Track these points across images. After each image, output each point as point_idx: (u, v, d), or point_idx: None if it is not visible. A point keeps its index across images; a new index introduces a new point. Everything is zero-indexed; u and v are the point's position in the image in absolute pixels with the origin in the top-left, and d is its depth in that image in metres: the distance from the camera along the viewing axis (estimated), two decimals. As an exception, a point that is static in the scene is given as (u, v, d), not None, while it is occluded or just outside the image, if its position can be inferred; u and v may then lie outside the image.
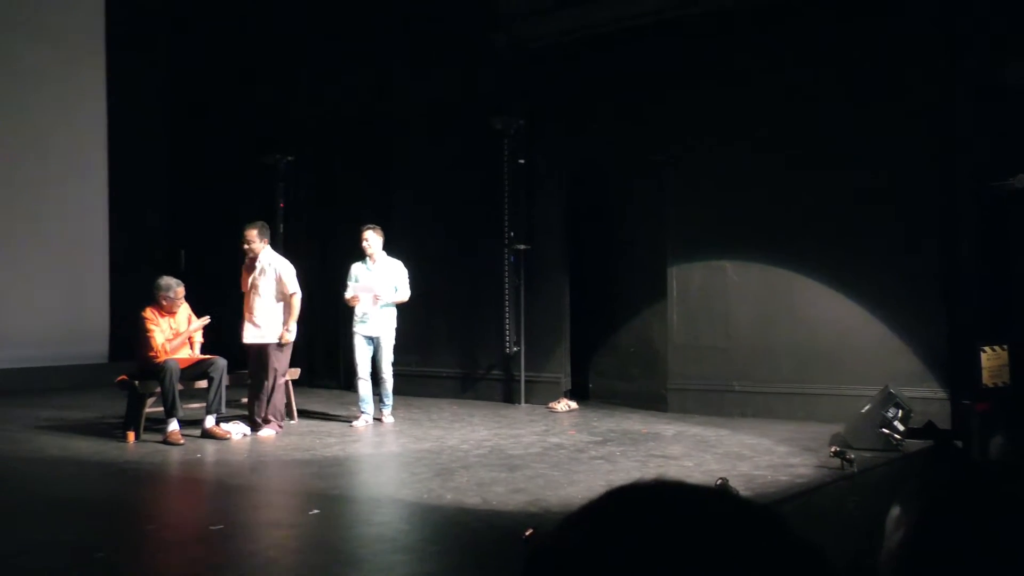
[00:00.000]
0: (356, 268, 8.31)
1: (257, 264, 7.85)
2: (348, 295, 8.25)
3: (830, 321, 8.06)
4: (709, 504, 0.67)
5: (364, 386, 8.26)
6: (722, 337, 8.64)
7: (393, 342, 8.34)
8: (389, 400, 8.44)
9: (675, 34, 8.77)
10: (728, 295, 8.64)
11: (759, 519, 0.66)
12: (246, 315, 7.86)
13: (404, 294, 8.30)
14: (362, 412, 8.27)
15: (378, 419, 8.39)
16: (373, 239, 8.23)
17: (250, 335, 7.84)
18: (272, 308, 7.83)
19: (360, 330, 8.24)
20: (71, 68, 12.07)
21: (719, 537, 0.64)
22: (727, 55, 8.63)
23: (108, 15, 12.37)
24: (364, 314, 8.21)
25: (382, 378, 8.34)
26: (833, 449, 6.14)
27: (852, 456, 5.94)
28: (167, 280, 7.79)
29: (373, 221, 8.52)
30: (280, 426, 7.90)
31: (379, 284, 8.17)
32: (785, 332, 8.32)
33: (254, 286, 7.85)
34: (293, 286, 7.84)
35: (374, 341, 8.26)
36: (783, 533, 0.66)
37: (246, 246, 7.84)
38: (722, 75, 8.64)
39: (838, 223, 8.00)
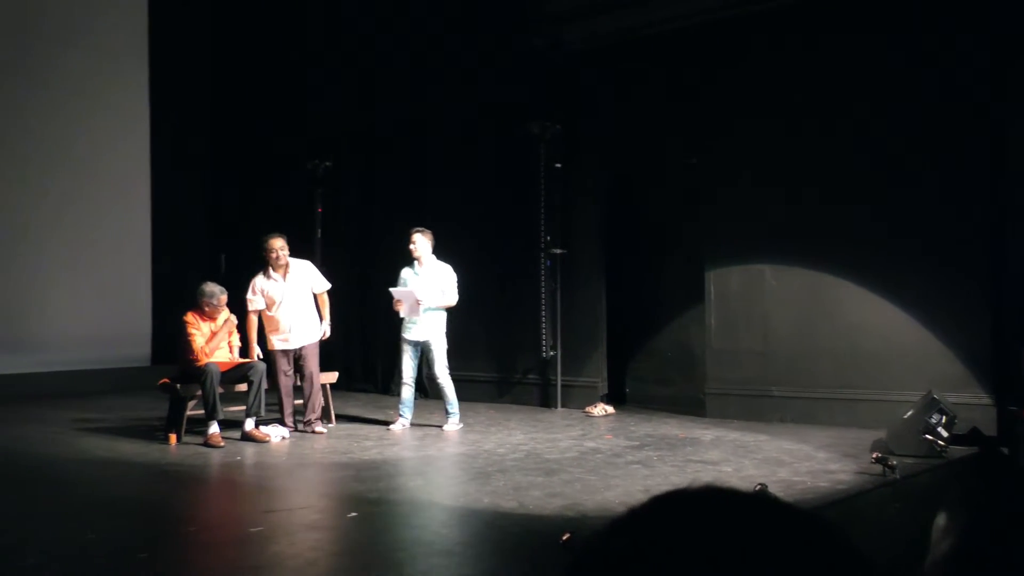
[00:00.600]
0: (405, 273, 8.21)
1: (289, 272, 7.96)
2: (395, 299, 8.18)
3: (872, 325, 7.93)
4: (761, 511, 0.65)
5: (406, 391, 8.21)
6: (760, 341, 8.54)
7: (445, 346, 8.13)
8: (452, 408, 8.09)
9: (713, 36, 8.72)
10: (767, 299, 8.54)
11: (811, 527, 0.65)
12: (285, 323, 7.93)
13: (450, 298, 8.13)
14: (400, 416, 8.26)
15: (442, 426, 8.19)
16: (421, 242, 8.10)
17: (300, 338, 7.97)
18: (312, 308, 8.10)
19: (406, 335, 8.17)
20: (115, 77, 12.28)
21: (772, 545, 0.62)
22: (763, 57, 8.54)
23: (152, 25, 12.58)
24: (410, 319, 8.18)
25: (439, 385, 8.12)
26: (875, 455, 6.04)
27: (894, 462, 5.84)
28: (211, 287, 7.84)
29: (410, 225, 8.44)
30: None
31: (425, 288, 8.02)
32: (825, 336, 8.20)
33: (288, 294, 7.94)
34: (326, 281, 8.16)
35: (421, 346, 8.16)
36: (836, 541, 0.64)
37: (279, 254, 7.90)
38: (760, 77, 8.56)
39: (878, 225, 7.87)
